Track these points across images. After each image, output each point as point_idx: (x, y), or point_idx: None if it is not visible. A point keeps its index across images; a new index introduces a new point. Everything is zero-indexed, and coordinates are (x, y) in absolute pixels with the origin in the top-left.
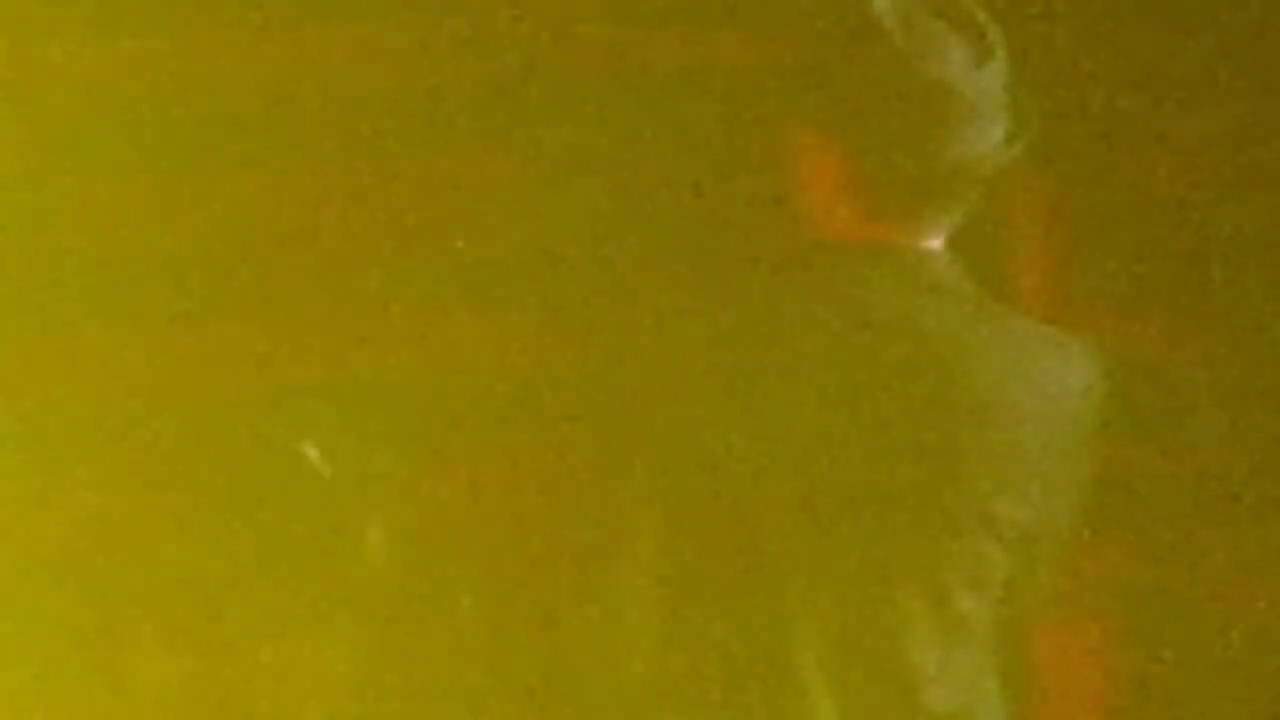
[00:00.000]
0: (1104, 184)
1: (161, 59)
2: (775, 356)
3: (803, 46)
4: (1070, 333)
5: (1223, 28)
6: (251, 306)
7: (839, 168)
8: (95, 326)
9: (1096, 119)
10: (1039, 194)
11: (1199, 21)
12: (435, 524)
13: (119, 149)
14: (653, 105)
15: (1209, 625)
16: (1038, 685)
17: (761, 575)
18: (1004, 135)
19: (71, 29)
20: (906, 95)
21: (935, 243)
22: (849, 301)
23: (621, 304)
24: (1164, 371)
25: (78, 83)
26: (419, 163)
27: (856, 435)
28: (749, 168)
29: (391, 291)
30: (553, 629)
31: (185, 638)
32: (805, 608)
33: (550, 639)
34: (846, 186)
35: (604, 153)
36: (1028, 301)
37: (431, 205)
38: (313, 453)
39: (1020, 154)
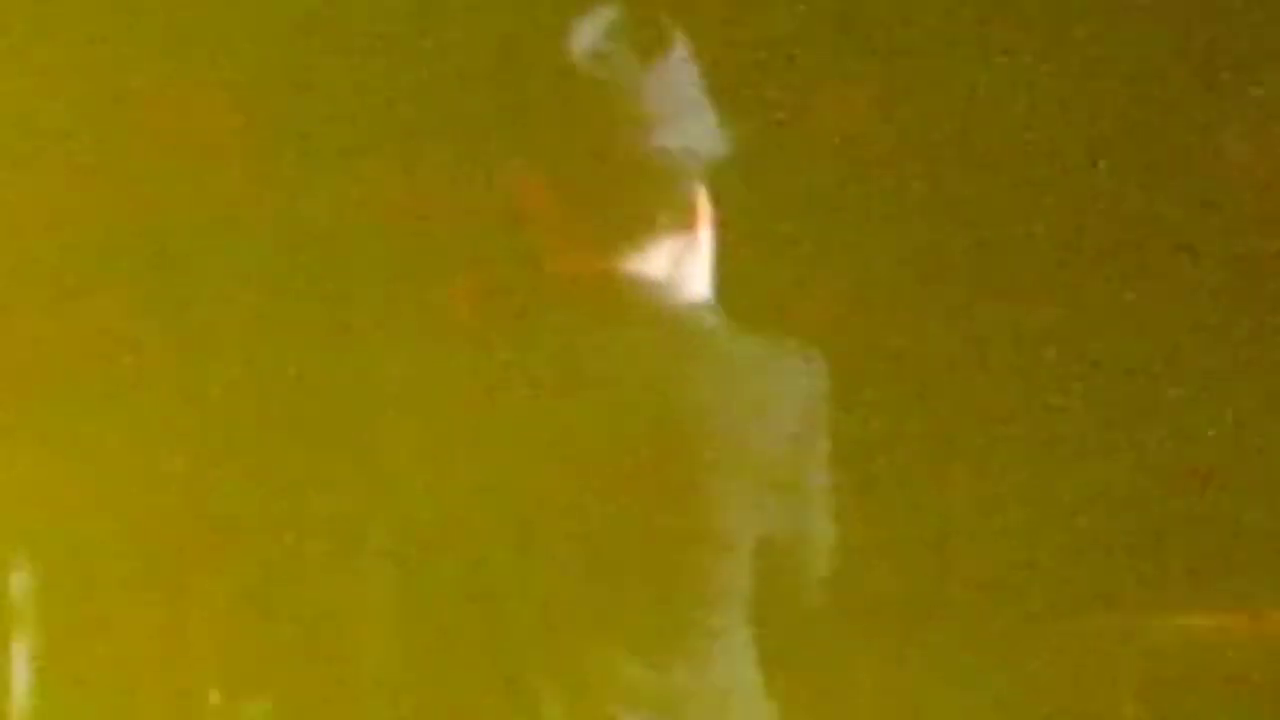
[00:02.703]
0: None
1: None
2: (511, 392)
3: (512, 88)
4: (791, 342)
5: None
6: None
7: (554, 204)
8: None
9: None
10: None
11: None
12: None
13: None
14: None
15: None
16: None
17: (495, 602)
18: (699, 137)
19: None
20: (598, 121)
21: (655, 266)
22: (577, 335)
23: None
24: None
25: None
26: None
27: (588, 463)
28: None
29: None
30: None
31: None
32: (541, 634)
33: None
34: (562, 222)
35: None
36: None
37: None
38: None
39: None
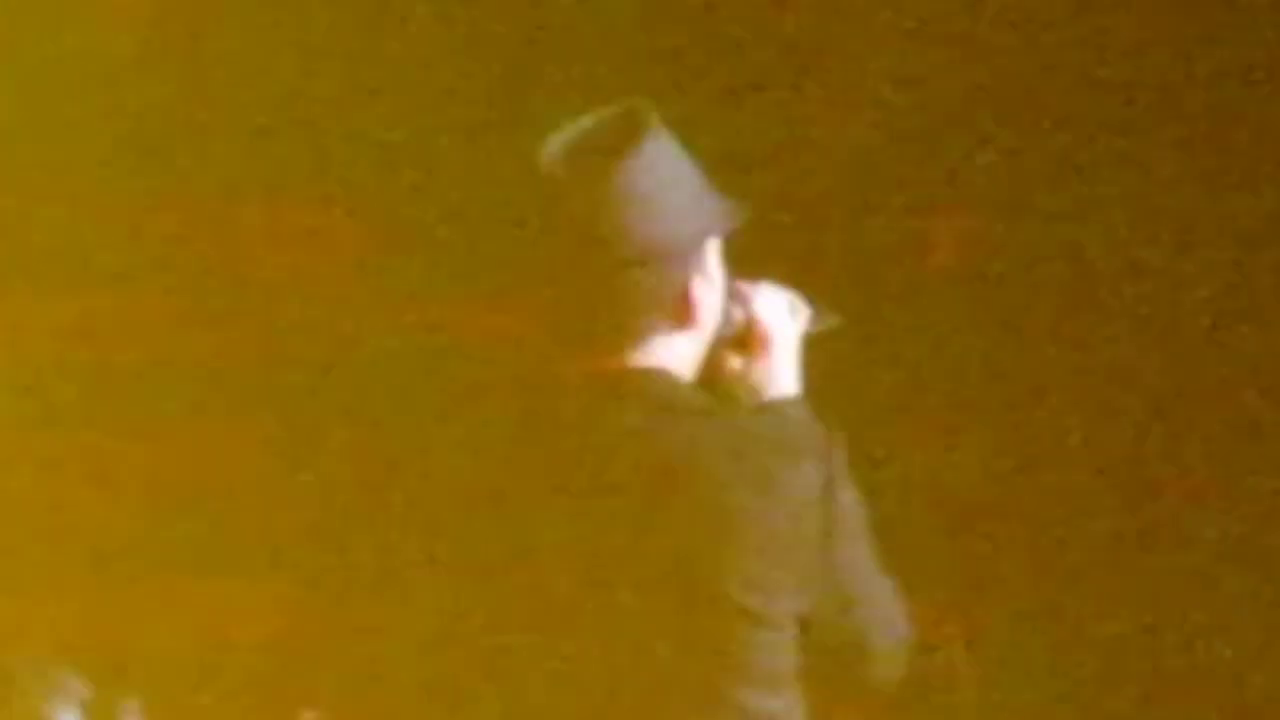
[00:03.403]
0: None
1: None
2: (530, 484)
3: (492, 208)
4: (801, 422)
5: None
6: None
7: (549, 312)
8: None
9: None
10: None
11: None
12: None
13: None
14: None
15: None
16: None
17: (525, 690)
18: (692, 214)
19: None
20: (576, 224)
21: (652, 359)
22: (588, 429)
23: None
24: None
25: None
26: None
27: (608, 551)
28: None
29: None
30: None
31: None
32: (580, 705)
33: None
34: (558, 326)
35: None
36: None
37: None
38: None
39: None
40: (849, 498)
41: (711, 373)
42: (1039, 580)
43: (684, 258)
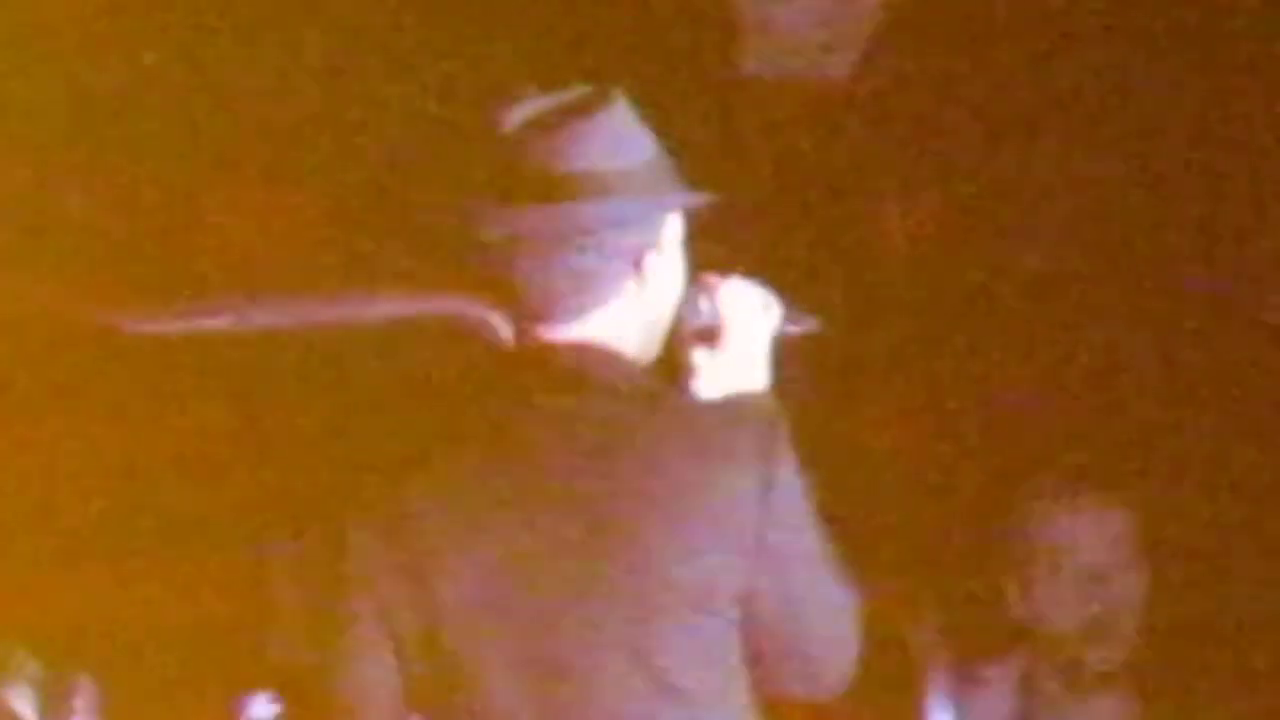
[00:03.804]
0: None
1: None
2: (472, 459)
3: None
4: (749, 402)
5: None
6: None
7: (495, 284)
8: None
9: None
10: None
11: None
12: None
13: None
14: None
15: None
16: None
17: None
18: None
19: None
20: (523, 202)
21: (598, 334)
22: (530, 403)
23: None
24: None
25: None
26: None
27: (541, 528)
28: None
29: None
30: None
31: None
32: (526, 688)
33: None
34: (504, 299)
35: None
36: None
37: None
38: None
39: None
40: (795, 488)
41: (674, 363)
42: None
43: (637, 231)
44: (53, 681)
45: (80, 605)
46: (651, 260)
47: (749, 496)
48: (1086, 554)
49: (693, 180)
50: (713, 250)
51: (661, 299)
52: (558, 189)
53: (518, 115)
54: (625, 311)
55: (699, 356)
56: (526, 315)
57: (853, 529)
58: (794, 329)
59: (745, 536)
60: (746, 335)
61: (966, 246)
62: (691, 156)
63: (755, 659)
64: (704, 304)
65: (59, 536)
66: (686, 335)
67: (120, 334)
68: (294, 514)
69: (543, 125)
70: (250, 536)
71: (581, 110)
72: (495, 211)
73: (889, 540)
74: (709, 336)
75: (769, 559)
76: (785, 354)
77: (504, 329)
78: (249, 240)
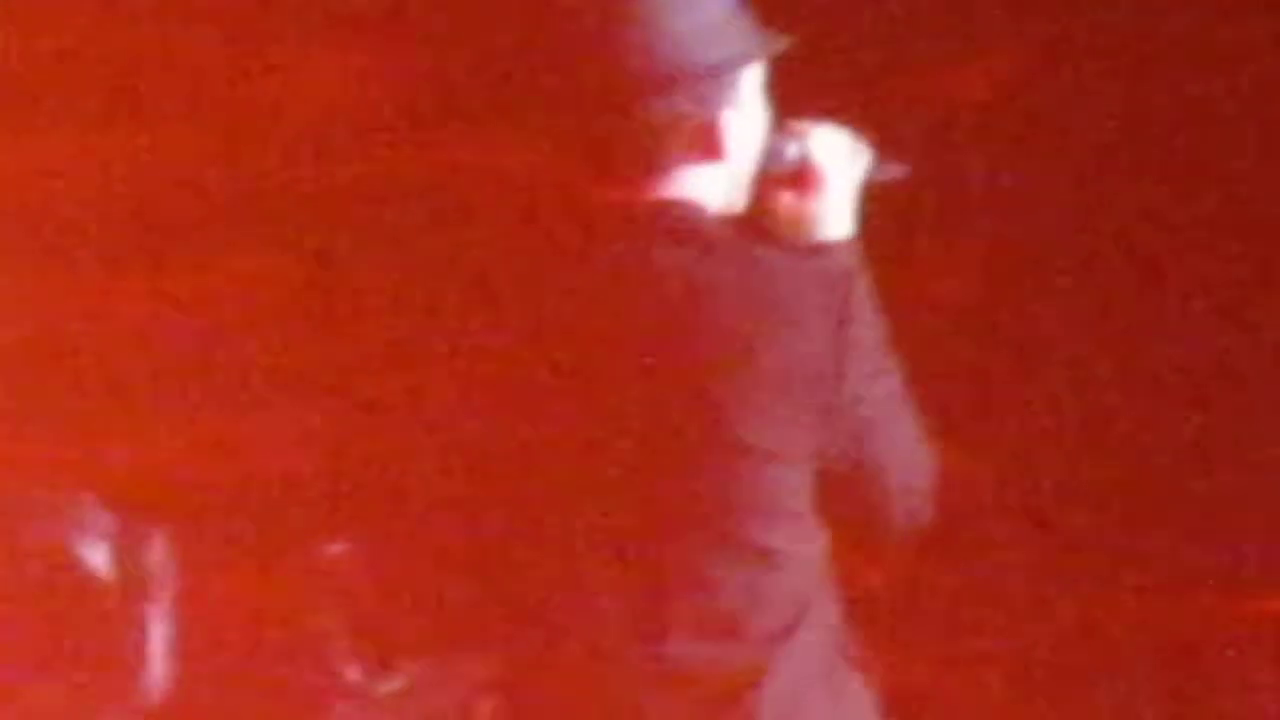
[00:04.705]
0: None
1: None
2: (550, 315)
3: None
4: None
5: None
6: None
7: (572, 142)
8: None
9: None
10: None
11: None
12: None
13: None
14: None
15: None
16: None
17: (551, 511)
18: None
19: None
20: (594, 62)
21: (678, 191)
22: (608, 259)
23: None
24: None
25: None
26: None
27: (622, 380)
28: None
29: None
30: None
31: None
32: (597, 538)
33: None
34: (582, 157)
35: None
36: None
37: None
38: None
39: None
40: (871, 338)
41: (761, 209)
42: (1065, 416)
43: (712, 87)
44: (127, 535)
45: (154, 459)
46: (728, 116)
47: (821, 357)
48: None
49: (772, 26)
50: (799, 96)
51: (743, 151)
52: (630, 46)
53: None
54: (703, 168)
55: (786, 203)
56: (600, 172)
57: (925, 380)
58: (882, 175)
59: (821, 386)
60: (835, 180)
61: (1051, 97)
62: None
63: (829, 509)
64: (792, 150)
65: (134, 391)
66: (773, 182)
67: (201, 192)
68: (371, 367)
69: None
70: (326, 389)
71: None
72: (566, 68)
73: (960, 393)
74: (797, 183)
75: (841, 414)
76: (870, 201)
77: (586, 186)
78: (332, 98)
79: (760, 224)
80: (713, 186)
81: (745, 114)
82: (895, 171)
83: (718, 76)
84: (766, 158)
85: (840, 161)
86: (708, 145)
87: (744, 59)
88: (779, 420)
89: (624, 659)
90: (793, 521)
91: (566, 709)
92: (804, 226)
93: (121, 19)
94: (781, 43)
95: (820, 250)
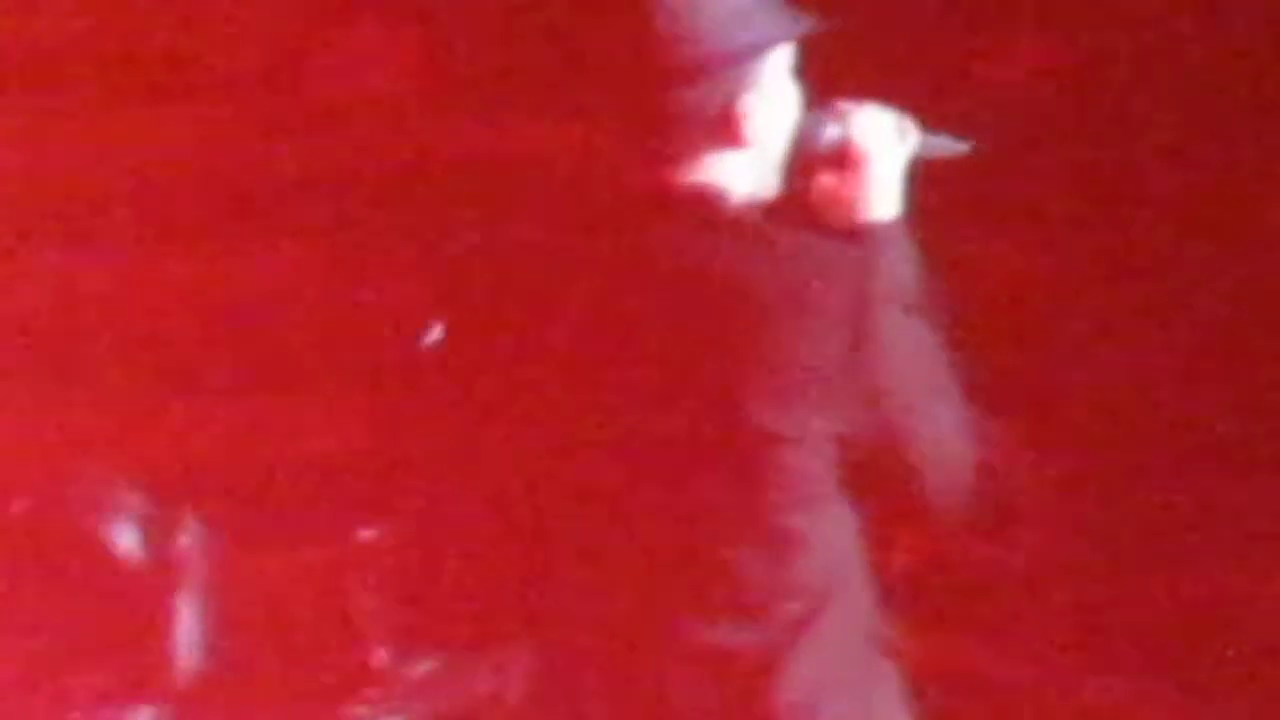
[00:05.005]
0: None
1: None
2: (577, 297)
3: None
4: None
5: None
6: None
7: (598, 127)
8: None
9: None
10: None
11: None
12: None
13: None
14: None
15: None
16: None
17: (580, 497)
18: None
19: None
20: (622, 48)
21: (703, 176)
22: (630, 242)
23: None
24: None
25: None
26: None
27: (644, 363)
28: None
29: None
30: None
31: None
32: (624, 524)
33: None
34: (606, 142)
35: None
36: None
37: None
38: None
39: None
40: (905, 324)
41: (802, 191)
42: (1108, 390)
43: (735, 72)
44: (159, 518)
45: (188, 443)
46: (749, 101)
47: (840, 343)
48: None
49: (808, 8)
50: (838, 78)
51: (771, 136)
52: (655, 31)
53: None
54: (728, 153)
55: (827, 184)
56: (625, 157)
57: (975, 361)
58: (939, 152)
59: (839, 368)
60: (878, 161)
61: (1090, 78)
62: None
63: (858, 493)
64: (832, 131)
65: (170, 375)
66: (814, 161)
67: (247, 173)
68: (405, 351)
69: None
70: (359, 374)
71: None
72: (593, 54)
73: (1011, 374)
74: (838, 164)
75: (864, 402)
76: (920, 180)
77: (618, 172)
78: (366, 83)
79: (804, 207)
80: (738, 172)
81: (771, 98)
82: (953, 147)
83: (744, 62)
84: (805, 139)
85: (884, 142)
86: (730, 132)
87: (769, 43)
88: (800, 405)
89: (650, 645)
90: (816, 506)
91: (594, 694)
92: (846, 208)
93: (147, 4)
94: (809, 25)
95: (859, 233)
